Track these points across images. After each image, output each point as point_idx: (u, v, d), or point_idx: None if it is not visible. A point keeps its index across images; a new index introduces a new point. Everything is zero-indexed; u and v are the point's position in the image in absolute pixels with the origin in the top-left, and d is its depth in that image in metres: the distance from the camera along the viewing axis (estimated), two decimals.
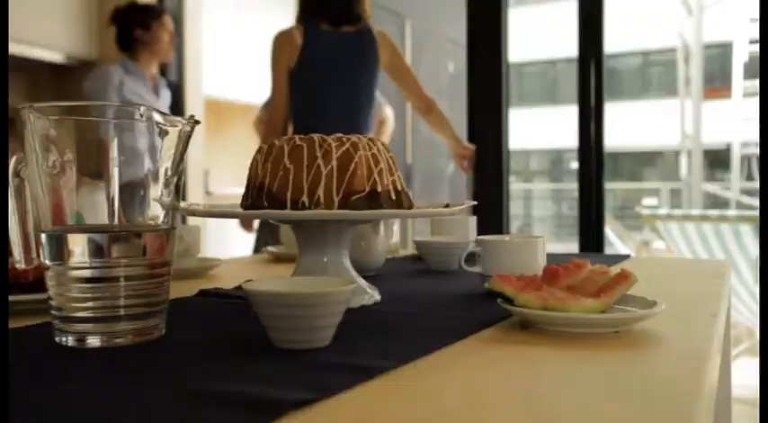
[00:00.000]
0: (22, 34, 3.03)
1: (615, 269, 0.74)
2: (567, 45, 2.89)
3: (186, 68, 3.51)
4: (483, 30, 2.54)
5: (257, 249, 2.35)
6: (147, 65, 2.65)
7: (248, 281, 0.62)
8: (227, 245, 3.48)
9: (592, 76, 2.37)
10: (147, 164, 0.60)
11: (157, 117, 0.60)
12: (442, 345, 0.59)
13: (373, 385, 0.47)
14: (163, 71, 3.31)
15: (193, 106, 3.55)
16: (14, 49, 3.02)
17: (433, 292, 0.90)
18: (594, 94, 2.37)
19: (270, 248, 1.46)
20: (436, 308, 0.76)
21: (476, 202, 0.85)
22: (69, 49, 3.25)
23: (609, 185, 2.46)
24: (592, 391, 0.47)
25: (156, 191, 0.61)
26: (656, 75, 12.68)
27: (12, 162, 0.62)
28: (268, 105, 2.82)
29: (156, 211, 0.61)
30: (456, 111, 2.37)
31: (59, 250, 0.58)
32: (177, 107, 3.29)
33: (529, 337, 0.63)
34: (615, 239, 4.99)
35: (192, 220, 1.87)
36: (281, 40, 2.16)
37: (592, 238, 2.40)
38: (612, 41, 2.43)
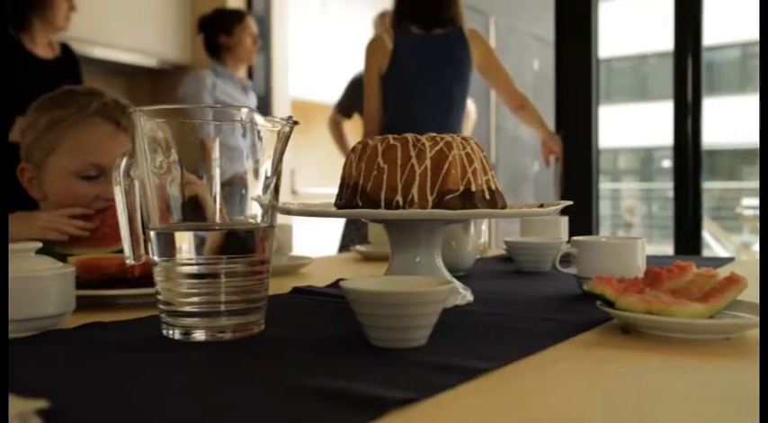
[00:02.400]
0: (120, 41, 3.19)
1: (723, 272, 0.70)
2: (660, 39, 2.77)
3: (273, 69, 3.60)
4: (572, 25, 2.47)
5: (343, 247, 2.38)
6: (234, 68, 2.75)
7: (341, 279, 0.62)
8: (311, 243, 3.54)
9: (689, 70, 2.27)
10: (248, 163, 0.62)
11: (258, 118, 0.61)
12: (542, 347, 0.57)
13: (474, 385, 0.47)
14: (250, 73, 3.40)
15: (280, 107, 3.63)
16: (112, 54, 3.18)
17: (525, 293, 0.88)
18: (692, 88, 2.26)
19: (359, 247, 1.47)
20: (530, 309, 0.75)
21: (571, 203, 0.82)
22: (164, 54, 3.40)
23: (705, 185, 2.34)
24: (703, 400, 0.45)
25: (255, 190, 0.63)
26: (757, 67, 11.97)
27: (122, 163, 0.65)
28: (340, 106, 2.89)
29: (254, 210, 0.63)
30: (542, 109, 2.32)
31: (168, 247, 0.60)
32: (264, 108, 3.37)
33: (631, 341, 0.61)
34: (712, 241, 4.76)
35: (281, 219, 1.91)
36: (372, 47, 2.19)
37: (688, 240, 2.30)
38: (709, 33, 2.31)
